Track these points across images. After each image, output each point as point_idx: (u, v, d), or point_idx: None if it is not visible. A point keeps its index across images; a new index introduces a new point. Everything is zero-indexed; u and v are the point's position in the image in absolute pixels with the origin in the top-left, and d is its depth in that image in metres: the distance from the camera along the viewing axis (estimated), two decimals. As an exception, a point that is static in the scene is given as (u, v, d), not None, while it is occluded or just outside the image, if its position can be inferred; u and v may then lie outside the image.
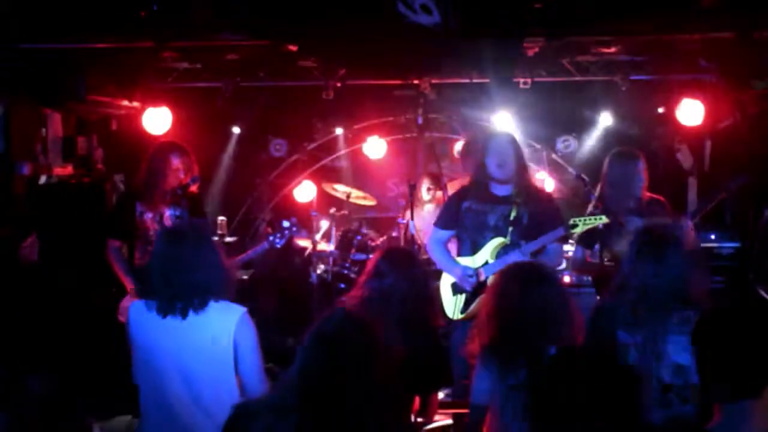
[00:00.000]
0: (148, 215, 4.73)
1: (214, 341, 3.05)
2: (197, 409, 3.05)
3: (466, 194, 4.59)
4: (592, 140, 7.68)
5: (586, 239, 4.77)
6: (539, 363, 3.04)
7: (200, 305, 3.05)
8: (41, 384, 3.30)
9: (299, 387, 2.29)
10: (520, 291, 3.14)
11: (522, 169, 4.48)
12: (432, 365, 3.39)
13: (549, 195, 4.56)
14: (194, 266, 3.07)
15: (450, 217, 4.61)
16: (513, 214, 4.38)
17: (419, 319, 3.35)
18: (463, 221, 4.52)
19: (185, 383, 3.06)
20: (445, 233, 4.65)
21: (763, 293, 5.46)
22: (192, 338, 3.05)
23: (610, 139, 7.51)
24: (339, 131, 8.08)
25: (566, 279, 6.10)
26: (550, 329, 3.08)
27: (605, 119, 7.52)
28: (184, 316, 3.05)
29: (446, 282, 4.60)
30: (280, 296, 7.34)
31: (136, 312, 3.15)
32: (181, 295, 3.06)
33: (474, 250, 4.46)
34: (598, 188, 4.83)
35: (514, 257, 4.25)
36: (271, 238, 4.78)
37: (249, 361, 3.06)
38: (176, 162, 4.76)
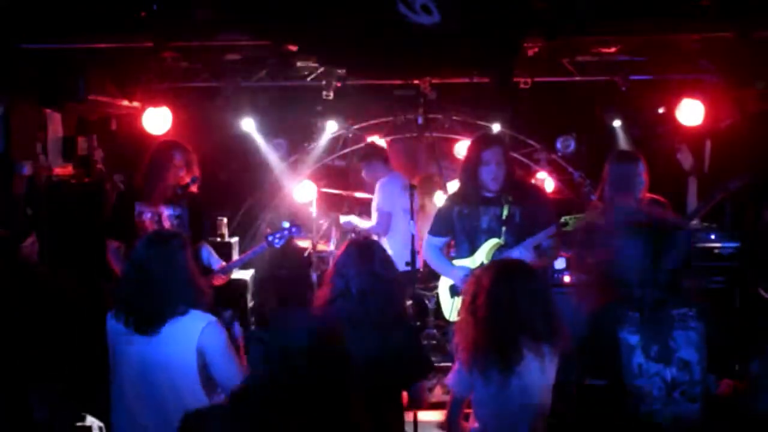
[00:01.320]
0: (147, 215, 4.72)
1: (176, 352, 3.11)
2: (158, 416, 3.09)
3: (458, 199, 4.59)
4: (592, 140, 7.67)
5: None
6: (514, 363, 3.10)
7: (161, 319, 3.12)
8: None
9: (260, 395, 2.28)
10: (489, 289, 3.20)
11: (511, 171, 4.47)
12: (411, 357, 3.38)
13: (541, 191, 4.56)
14: (159, 278, 3.15)
15: (443, 223, 4.62)
16: (504, 214, 4.38)
17: (388, 314, 3.32)
18: (458, 226, 4.52)
19: (149, 391, 3.12)
20: (439, 240, 4.67)
21: (763, 293, 5.46)
22: (156, 349, 3.12)
23: (610, 139, 7.51)
24: (331, 129, 7.96)
25: (566, 279, 6.09)
26: (527, 326, 3.12)
27: (605, 119, 7.50)
28: (148, 331, 3.12)
29: (444, 285, 4.62)
30: (280, 296, 7.33)
31: (109, 327, 3.27)
32: (143, 308, 3.14)
33: (471, 252, 4.47)
34: (599, 189, 4.83)
35: (517, 254, 4.24)
36: (270, 237, 4.78)
37: (220, 365, 3.12)
38: (179, 158, 4.75)
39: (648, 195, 4.78)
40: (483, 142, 4.59)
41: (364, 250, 3.41)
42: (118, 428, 3.22)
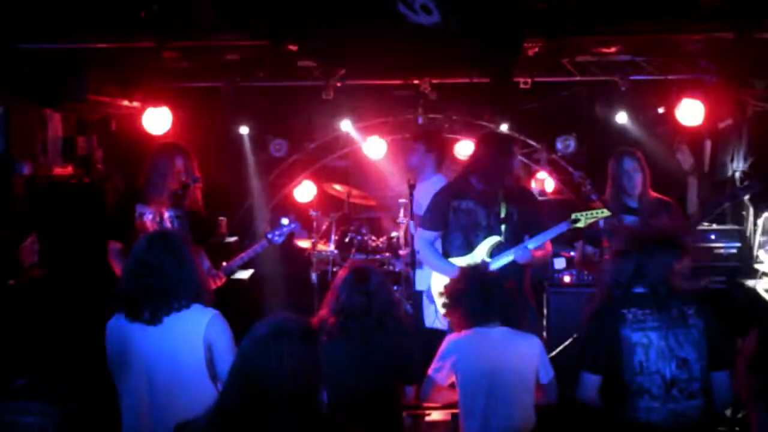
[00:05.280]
0: (148, 216, 4.72)
1: (183, 344, 3.09)
2: (167, 412, 3.05)
3: (453, 193, 4.55)
4: (592, 140, 7.67)
5: (591, 238, 4.82)
6: None
7: (167, 310, 3.09)
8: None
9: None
10: None
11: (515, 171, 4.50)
12: (410, 358, 3.53)
13: (532, 194, 4.60)
14: (164, 272, 3.13)
15: (438, 217, 4.55)
16: (503, 212, 4.38)
17: (375, 338, 3.44)
18: (454, 220, 4.47)
19: (155, 387, 3.10)
20: (432, 234, 4.60)
21: (762, 293, 5.46)
22: (162, 343, 3.10)
23: (610, 138, 7.50)
24: (345, 126, 7.89)
25: (566, 279, 6.08)
26: None
27: (605, 119, 7.51)
28: (154, 321, 3.09)
29: (438, 283, 4.54)
30: (280, 296, 7.33)
31: (112, 326, 3.22)
32: (148, 299, 3.11)
33: (468, 248, 4.43)
34: (607, 187, 4.88)
35: (521, 251, 4.26)
36: (269, 235, 4.78)
37: (225, 362, 3.06)
38: (180, 163, 4.77)
39: (654, 195, 4.80)
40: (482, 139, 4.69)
41: (357, 277, 3.54)
42: (127, 426, 3.20)
